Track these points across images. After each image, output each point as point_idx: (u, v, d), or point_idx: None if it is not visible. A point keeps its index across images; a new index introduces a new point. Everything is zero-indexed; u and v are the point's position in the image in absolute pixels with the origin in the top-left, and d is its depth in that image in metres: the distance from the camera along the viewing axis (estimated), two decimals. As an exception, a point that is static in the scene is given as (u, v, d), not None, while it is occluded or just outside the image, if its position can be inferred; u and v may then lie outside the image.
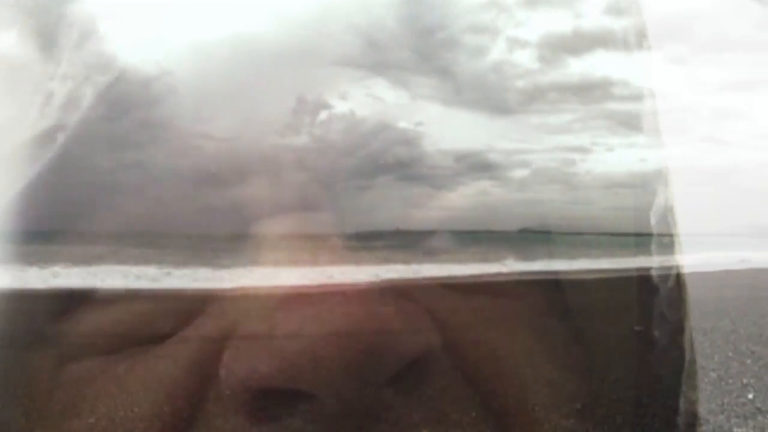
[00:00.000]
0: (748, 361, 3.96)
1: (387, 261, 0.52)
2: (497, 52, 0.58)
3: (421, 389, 0.45)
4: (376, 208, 0.53)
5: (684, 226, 0.62)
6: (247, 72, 0.48)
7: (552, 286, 0.58)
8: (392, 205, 0.53)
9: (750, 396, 3.19)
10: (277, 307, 0.43)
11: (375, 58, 0.53)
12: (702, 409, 1.22)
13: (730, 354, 4.16)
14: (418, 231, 0.55)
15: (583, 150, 0.62)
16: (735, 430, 2.66)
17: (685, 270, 0.61)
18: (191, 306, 0.44)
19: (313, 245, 0.48)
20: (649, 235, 0.58)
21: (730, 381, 3.52)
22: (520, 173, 0.58)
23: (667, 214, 0.59)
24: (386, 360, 0.41)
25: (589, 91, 0.63)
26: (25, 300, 0.46)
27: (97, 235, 0.46)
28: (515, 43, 0.59)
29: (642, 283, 0.57)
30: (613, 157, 0.63)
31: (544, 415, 0.48)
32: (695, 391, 0.55)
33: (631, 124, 0.64)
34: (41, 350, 0.45)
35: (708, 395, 3.12)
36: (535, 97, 0.62)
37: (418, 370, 0.44)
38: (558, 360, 0.53)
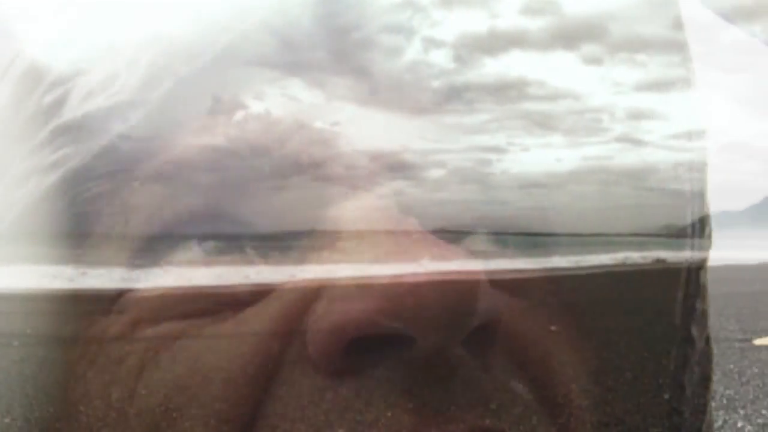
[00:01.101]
0: (664, 362, 4.05)
1: (303, 261, 0.52)
2: (413, 52, 0.59)
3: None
4: (292, 208, 0.53)
5: (599, 226, 0.68)
6: (163, 72, 0.47)
7: (469, 285, 0.54)
8: (308, 206, 0.53)
9: (666, 396, 3.25)
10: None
11: (290, 57, 0.54)
12: (617, 409, 1.24)
13: (646, 354, 4.23)
14: (334, 231, 0.53)
15: (498, 150, 0.62)
16: (651, 430, 2.67)
17: (602, 270, 0.66)
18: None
19: (229, 246, 0.49)
20: (565, 235, 0.62)
21: (646, 381, 3.54)
22: (435, 173, 0.58)
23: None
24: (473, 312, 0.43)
25: (505, 91, 0.63)
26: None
27: (13, 235, 0.47)
28: (431, 43, 0.60)
29: (556, 282, 0.60)
30: (528, 157, 0.63)
31: None
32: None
33: (546, 124, 0.66)
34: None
35: (623, 395, 3.10)
36: (451, 97, 0.62)
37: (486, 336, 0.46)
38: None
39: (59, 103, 0.47)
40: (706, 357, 0.76)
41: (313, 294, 0.46)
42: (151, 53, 0.47)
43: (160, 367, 0.44)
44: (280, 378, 0.46)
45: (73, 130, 0.47)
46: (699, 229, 0.71)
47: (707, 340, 0.86)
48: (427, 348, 0.42)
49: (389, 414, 0.44)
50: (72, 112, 0.47)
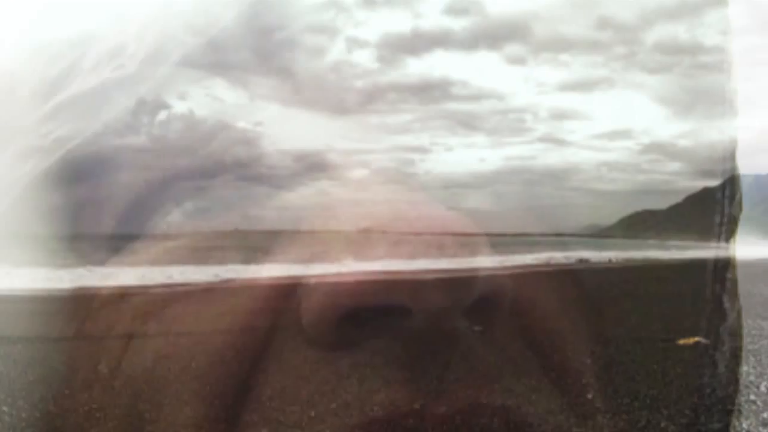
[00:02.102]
0: (588, 361, 3.99)
1: (226, 261, 0.52)
2: (336, 52, 0.59)
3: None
4: (216, 208, 0.52)
5: (523, 226, 0.69)
6: (88, 72, 0.46)
7: (392, 285, 0.53)
8: (232, 205, 0.53)
9: (589, 396, 3.18)
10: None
11: (214, 58, 0.52)
12: (541, 409, 1.21)
13: (569, 353, 4.21)
14: (258, 231, 0.55)
15: (422, 150, 0.63)
16: (574, 430, 2.63)
17: (528, 270, 0.67)
18: None
19: (153, 245, 0.48)
20: (489, 235, 0.58)
21: (570, 381, 3.51)
22: (359, 173, 0.58)
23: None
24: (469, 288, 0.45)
25: (429, 91, 0.65)
26: None
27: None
28: (354, 43, 0.60)
29: (479, 282, 0.54)
30: (452, 157, 0.64)
31: None
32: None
33: (470, 124, 0.68)
34: None
35: (547, 395, 3.07)
36: (375, 97, 0.63)
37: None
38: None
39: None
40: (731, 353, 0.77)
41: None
42: (77, 53, 0.46)
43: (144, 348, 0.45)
44: (270, 353, 0.47)
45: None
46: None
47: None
48: (422, 318, 0.43)
49: (384, 390, 0.44)
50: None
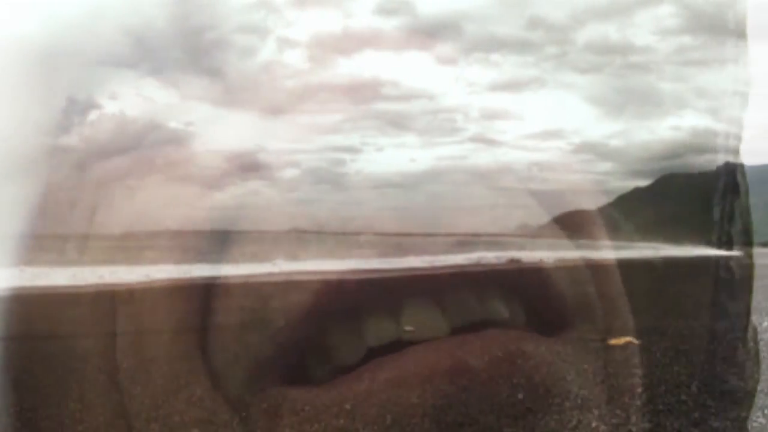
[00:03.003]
0: (519, 361, 3.90)
1: (158, 261, 0.54)
2: (267, 52, 0.59)
3: None
4: (147, 208, 0.52)
5: (454, 226, 0.68)
6: (18, 72, 0.46)
7: (323, 286, 0.60)
8: (162, 206, 0.52)
9: (520, 396, 3.09)
10: None
11: (145, 58, 0.53)
12: (472, 410, 1.21)
13: (500, 354, 4.10)
14: (188, 231, 0.54)
15: (353, 150, 0.63)
16: (505, 429, 2.58)
17: (458, 270, 0.67)
18: None
19: (83, 245, 0.48)
20: (419, 235, 0.63)
21: (500, 381, 3.41)
22: (290, 173, 0.59)
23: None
24: None
25: (359, 91, 0.63)
26: None
27: None
28: (285, 43, 0.60)
29: (410, 282, 0.61)
30: (383, 157, 0.64)
31: None
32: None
33: (400, 124, 0.67)
34: None
35: (477, 395, 3.00)
36: (305, 97, 0.61)
37: None
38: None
39: None
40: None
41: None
42: (6, 53, 0.45)
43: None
44: (201, 353, 0.51)
45: None
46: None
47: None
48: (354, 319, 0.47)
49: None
50: None
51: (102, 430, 0.51)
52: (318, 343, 0.60)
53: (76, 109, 0.48)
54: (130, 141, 0.51)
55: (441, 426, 0.62)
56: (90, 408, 0.52)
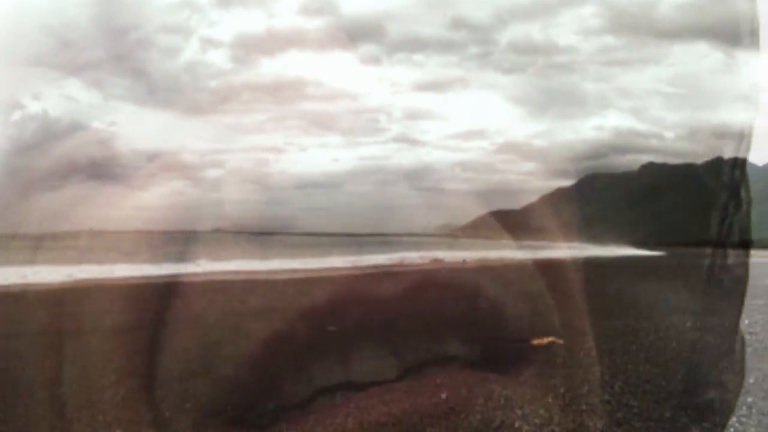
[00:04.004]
0: (442, 361, 3.55)
1: (80, 261, 0.72)
2: (190, 52, 0.94)
3: None
4: (70, 208, 0.62)
5: (377, 226, 1.26)
6: None
7: (246, 285, 0.84)
8: (86, 205, 0.67)
9: (443, 396, 2.82)
10: None
11: (68, 58, 0.54)
12: (395, 409, 1.79)
13: (423, 354, 3.74)
14: (112, 231, 0.66)
15: (276, 150, 1.16)
16: (428, 429, 2.39)
17: (381, 270, 1.09)
18: None
19: (5, 245, 0.73)
20: (343, 235, 1.01)
21: (424, 381, 3.14)
22: (213, 173, 0.84)
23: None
24: None
25: (282, 91, 1.02)
26: None
27: None
28: (209, 43, 0.98)
29: (333, 282, 0.95)
30: (306, 157, 1.21)
31: None
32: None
33: (324, 124, 1.43)
34: None
35: (401, 395, 2.86)
36: (229, 98, 0.99)
37: None
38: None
39: None
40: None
41: None
42: None
43: None
44: (128, 354, 0.69)
45: None
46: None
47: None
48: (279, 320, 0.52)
49: None
50: None
51: (24, 425, 0.61)
52: (239, 343, 0.84)
53: None
54: (53, 141, 0.59)
55: (363, 427, 0.87)
56: (11, 406, 0.64)
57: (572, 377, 3.13)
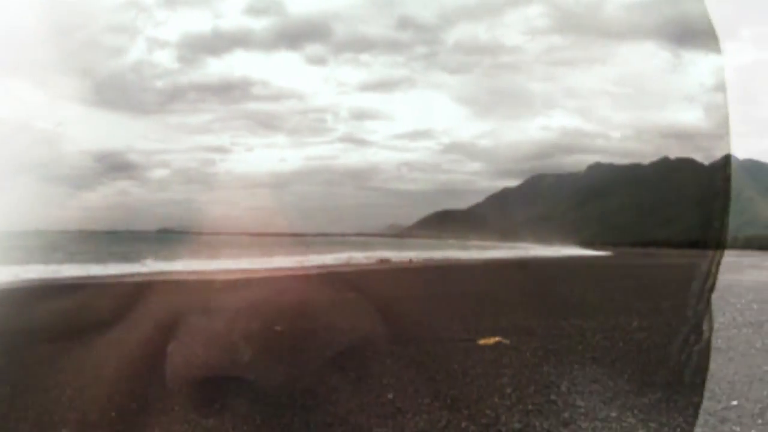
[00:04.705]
0: (388, 361, 3.55)
1: (27, 262, 0.68)
2: (137, 52, 0.84)
3: None
4: (16, 208, 0.62)
5: (324, 226, 1.66)
6: None
7: (195, 286, 0.80)
8: (32, 206, 0.73)
9: (390, 396, 2.79)
10: None
11: (14, 57, 0.58)
12: (341, 410, 1.72)
13: (369, 353, 3.73)
14: (58, 231, 0.72)
15: (222, 150, 0.96)
16: (375, 429, 2.35)
17: (327, 270, 1.04)
18: None
19: None
20: (289, 235, 1.16)
21: (370, 381, 3.10)
22: (159, 173, 0.85)
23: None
24: None
25: (229, 91, 0.95)
26: None
27: None
28: (155, 43, 0.87)
29: (286, 282, 0.88)
30: (252, 157, 1.12)
31: None
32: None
33: (270, 124, 1.31)
34: None
35: (347, 395, 2.83)
36: (175, 98, 0.89)
37: None
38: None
39: None
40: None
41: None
42: None
43: None
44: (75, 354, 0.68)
45: None
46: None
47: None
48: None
49: None
50: None
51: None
52: (183, 342, 0.82)
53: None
54: None
55: (310, 427, 0.84)
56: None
57: (519, 377, 3.10)
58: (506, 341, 4.01)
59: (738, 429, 2.52)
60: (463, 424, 2.41)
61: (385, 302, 6.35)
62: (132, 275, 9.71)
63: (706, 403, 2.80)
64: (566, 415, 2.56)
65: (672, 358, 3.54)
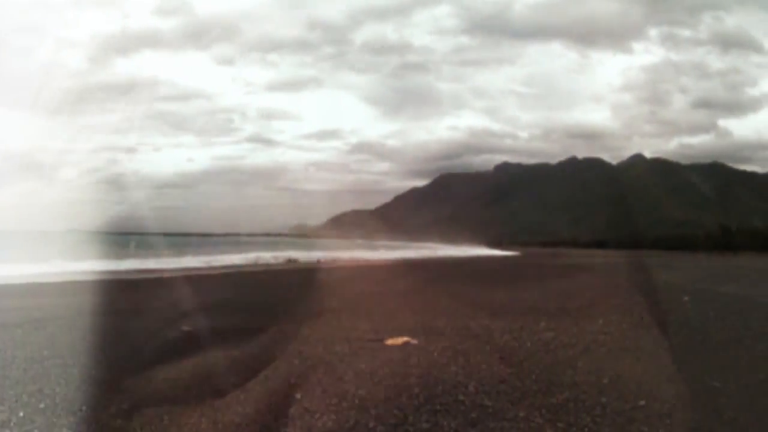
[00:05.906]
0: (296, 362, 3.52)
1: None
2: (45, 52, 1.01)
3: None
4: None
5: (231, 226, 1.78)
6: None
7: (95, 286, 0.82)
8: None
9: (298, 396, 2.77)
10: None
11: None
12: (249, 410, 1.90)
13: (277, 353, 3.71)
14: None
15: (130, 150, 1.13)
16: (282, 429, 2.34)
17: (235, 270, 1.03)
18: None
19: None
20: (197, 235, 1.33)
21: (278, 381, 3.07)
22: (68, 173, 1.05)
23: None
24: None
25: (137, 91, 1.20)
26: None
27: None
28: (64, 43, 1.10)
29: (191, 281, 0.81)
30: (160, 158, 1.38)
31: None
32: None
33: (178, 124, 1.52)
34: None
35: (255, 396, 2.81)
36: (83, 98, 1.16)
37: None
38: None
39: None
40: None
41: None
42: None
43: None
44: None
45: None
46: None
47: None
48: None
49: None
50: None
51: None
52: (93, 341, 0.79)
53: None
54: None
55: (218, 427, 0.94)
56: None
57: (427, 377, 3.10)
58: (414, 341, 4.02)
59: (646, 429, 2.53)
60: (371, 424, 2.40)
61: (291, 302, 6.38)
62: (40, 275, 9.55)
63: (614, 403, 2.82)
64: (474, 414, 2.56)
65: (579, 357, 3.63)
